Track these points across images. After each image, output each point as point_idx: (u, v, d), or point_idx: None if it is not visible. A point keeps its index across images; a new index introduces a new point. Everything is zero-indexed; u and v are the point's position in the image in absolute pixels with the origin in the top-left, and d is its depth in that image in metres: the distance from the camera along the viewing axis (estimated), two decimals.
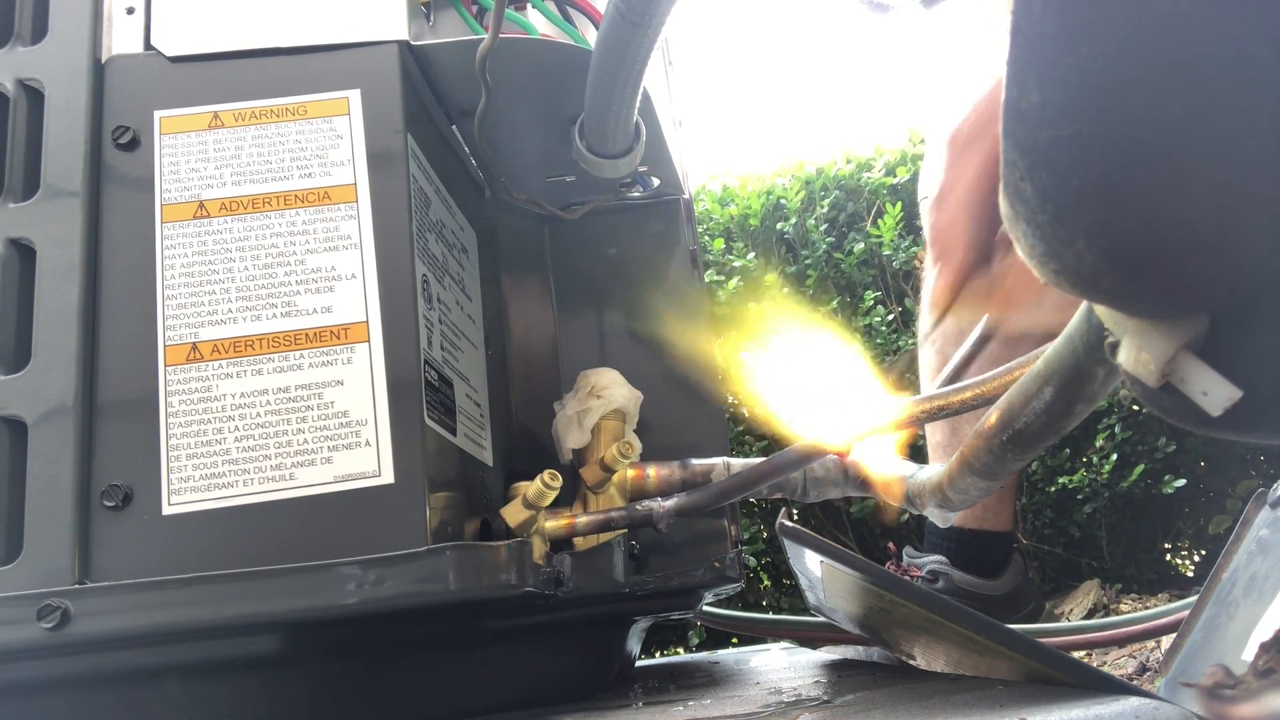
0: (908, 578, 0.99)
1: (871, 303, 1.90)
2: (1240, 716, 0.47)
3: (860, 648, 0.87)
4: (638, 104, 0.64)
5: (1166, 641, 1.12)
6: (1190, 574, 1.66)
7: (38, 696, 0.56)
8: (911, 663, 0.68)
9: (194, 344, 0.57)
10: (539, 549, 0.64)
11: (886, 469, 0.65)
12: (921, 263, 1.27)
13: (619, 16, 0.54)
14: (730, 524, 0.78)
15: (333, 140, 0.61)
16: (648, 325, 0.85)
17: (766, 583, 1.92)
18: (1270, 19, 0.19)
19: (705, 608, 1.06)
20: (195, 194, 0.60)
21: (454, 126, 0.76)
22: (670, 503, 0.68)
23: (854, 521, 1.86)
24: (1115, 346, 0.27)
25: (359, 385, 0.57)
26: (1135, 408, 1.58)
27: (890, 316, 1.87)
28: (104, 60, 0.62)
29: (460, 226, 0.75)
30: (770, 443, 1.88)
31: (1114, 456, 1.56)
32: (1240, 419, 0.24)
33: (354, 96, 0.62)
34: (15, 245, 0.58)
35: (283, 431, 0.56)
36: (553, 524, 0.67)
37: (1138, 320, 0.26)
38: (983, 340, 0.66)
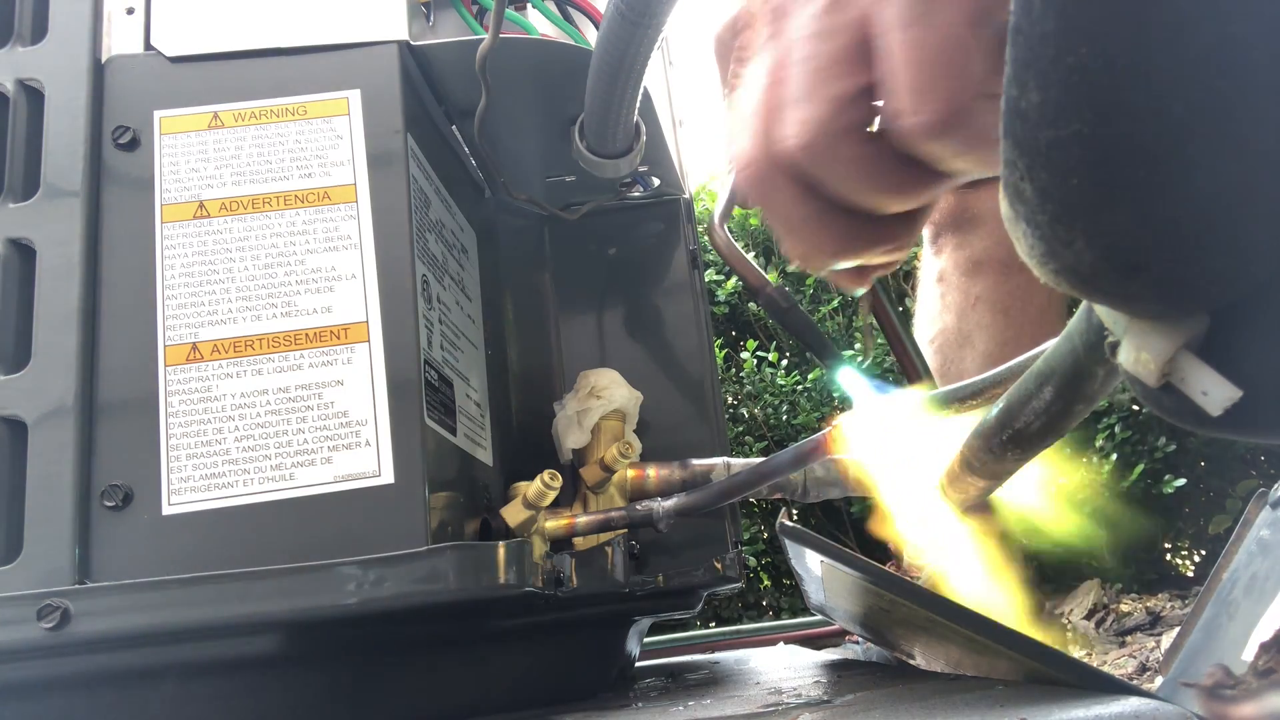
0: (908, 578, 0.99)
1: None
2: (1240, 716, 0.47)
3: (849, 649, 0.87)
4: (638, 104, 0.64)
5: (1166, 641, 1.12)
6: (1190, 574, 1.65)
7: (38, 696, 0.56)
8: (911, 663, 0.68)
9: (194, 344, 0.57)
10: (539, 549, 0.64)
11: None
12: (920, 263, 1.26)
13: (619, 16, 0.54)
14: (730, 524, 0.78)
15: (333, 140, 0.61)
16: (648, 325, 0.85)
17: (766, 583, 1.92)
18: (1270, 19, 0.19)
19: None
20: (195, 194, 0.60)
21: (454, 126, 0.76)
22: (670, 503, 0.68)
23: (854, 521, 1.86)
24: (1115, 346, 0.27)
25: (359, 385, 0.57)
26: (1135, 408, 1.58)
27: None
28: (104, 60, 0.62)
29: (460, 226, 0.75)
30: (770, 443, 1.88)
31: (1114, 456, 1.56)
32: (1240, 419, 0.24)
33: (354, 96, 0.62)
34: (15, 245, 0.58)
35: (283, 431, 0.56)
36: (553, 524, 0.67)
37: (1138, 320, 0.26)
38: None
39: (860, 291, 0.40)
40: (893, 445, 0.56)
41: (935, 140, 0.28)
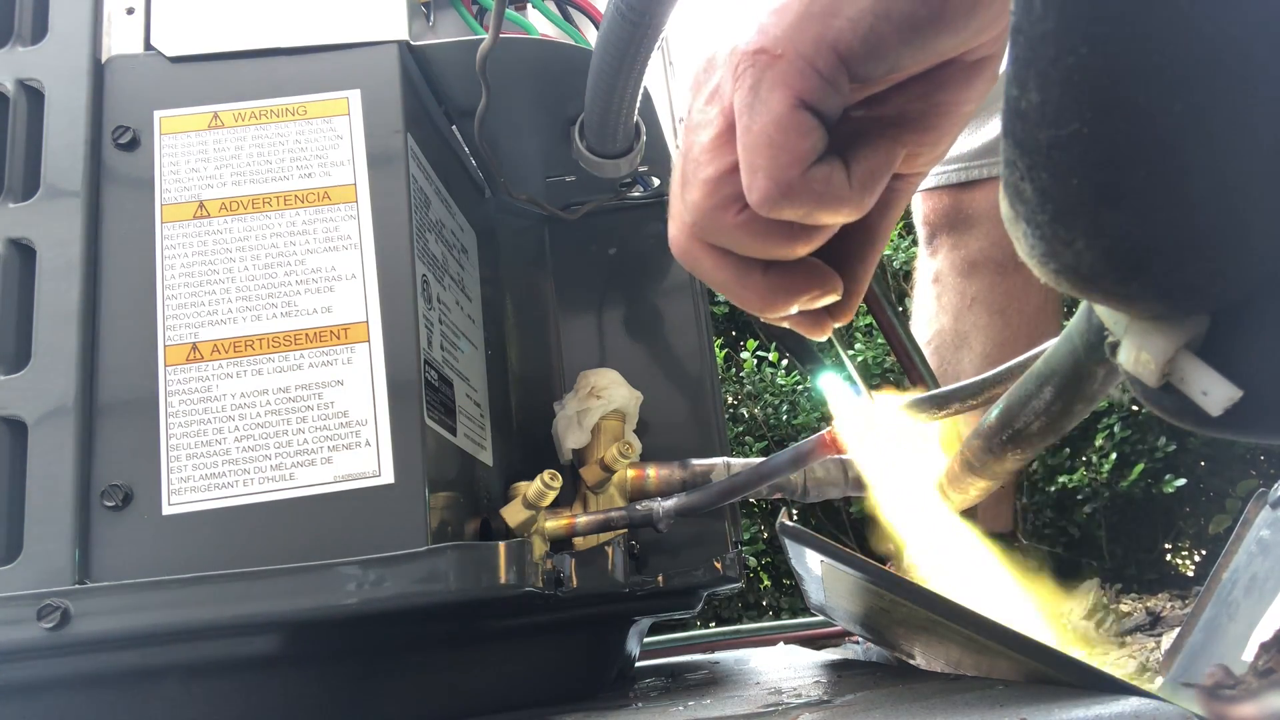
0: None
1: None
2: (1240, 716, 0.47)
3: (850, 648, 0.87)
4: (638, 104, 0.64)
5: (1166, 641, 1.12)
6: (1190, 574, 1.66)
7: (38, 696, 0.56)
8: (911, 663, 0.68)
9: (194, 344, 0.57)
10: (539, 549, 0.64)
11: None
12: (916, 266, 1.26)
13: (619, 16, 0.54)
14: (730, 524, 0.78)
15: (333, 140, 0.61)
16: (648, 325, 0.85)
17: (766, 583, 1.92)
18: (1270, 19, 0.19)
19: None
20: (195, 194, 0.60)
21: (454, 126, 0.76)
22: (670, 503, 0.68)
23: (854, 521, 1.86)
24: (1115, 346, 0.27)
25: (359, 385, 0.57)
26: (1135, 408, 1.58)
27: None
28: (104, 60, 0.62)
29: (460, 226, 0.75)
30: (770, 443, 1.88)
31: (1114, 456, 1.56)
32: (1240, 419, 0.24)
33: (354, 97, 0.62)
34: (15, 245, 0.58)
35: (283, 431, 0.56)
36: (553, 524, 0.67)
37: (1138, 320, 0.26)
38: None
39: (823, 338, 0.43)
40: (889, 445, 0.56)
41: (773, 210, 0.32)
